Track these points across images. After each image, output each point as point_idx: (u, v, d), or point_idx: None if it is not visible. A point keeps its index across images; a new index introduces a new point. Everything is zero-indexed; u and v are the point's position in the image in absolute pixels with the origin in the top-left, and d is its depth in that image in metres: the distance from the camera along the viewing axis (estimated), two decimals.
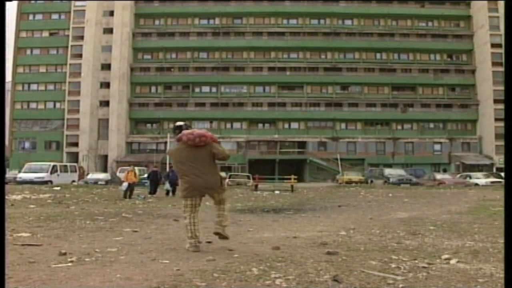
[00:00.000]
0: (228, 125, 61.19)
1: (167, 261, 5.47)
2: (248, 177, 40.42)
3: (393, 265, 4.98)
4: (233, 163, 56.32)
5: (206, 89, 61.83)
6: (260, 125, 61.67)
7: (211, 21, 63.74)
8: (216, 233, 6.23)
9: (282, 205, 16.52)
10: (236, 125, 61.13)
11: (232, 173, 44.33)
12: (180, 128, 6.28)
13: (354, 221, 9.69)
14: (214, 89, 61.67)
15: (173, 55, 62.74)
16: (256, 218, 11.59)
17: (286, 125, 61.23)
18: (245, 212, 13.52)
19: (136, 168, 27.34)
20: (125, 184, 20.38)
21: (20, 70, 61.65)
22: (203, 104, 61.14)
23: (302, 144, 59.84)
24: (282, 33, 63.14)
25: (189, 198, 6.11)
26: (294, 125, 61.01)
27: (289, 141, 60.08)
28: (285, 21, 64.04)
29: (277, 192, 26.64)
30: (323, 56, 62.65)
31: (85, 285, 4.42)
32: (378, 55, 62.20)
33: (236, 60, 62.51)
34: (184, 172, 6.10)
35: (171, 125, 39.72)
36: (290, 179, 30.59)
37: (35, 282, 4.45)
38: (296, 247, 6.46)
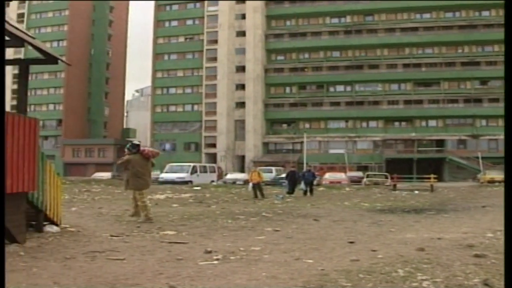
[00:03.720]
0: (364, 124, 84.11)
1: (311, 261, 7.73)
2: (386, 177, 53.03)
3: None
4: (370, 162, 78.99)
5: (340, 88, 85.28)
6: (396, 123, 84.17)
7: (343, 20, 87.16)
8: (133, 214, 14.79)
9: (422, 205, 21.08)
10: (372, 123, 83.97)
11: (369, 173, 62.05)
12: (138, 146, 14.62)
13: (501, 223, 9.55)
14: (348, 88, 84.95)
15: (306, 55, 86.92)
16: (397, 218, 15.46)
17: (423, 123, 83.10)
18: (385, 212, 17.69)
19: (273, 168, 45.94)
20: (250, 185, 28.29)
21: (159, 75, 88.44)
22: (338, 104, 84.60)
23: (440, 143, 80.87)
24: (416, 28, 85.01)
25: (145, 189, 14.34)
26: (432, 122, 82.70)
27: (426, 140, 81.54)
28: (418, 16, 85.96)
29: (416, 191, 33.43)
30: (459, 51, 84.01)
31: (232, 282, 6.33)
32: None
33: (370, 58, 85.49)
34: (141, 173, 14.19)
35: (307, 125, 67.99)
36: (429, 178, 39.51)
37: (184, 279, 6.52)
38: (441, 248, 8.60)
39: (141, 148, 14.66)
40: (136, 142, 15.20)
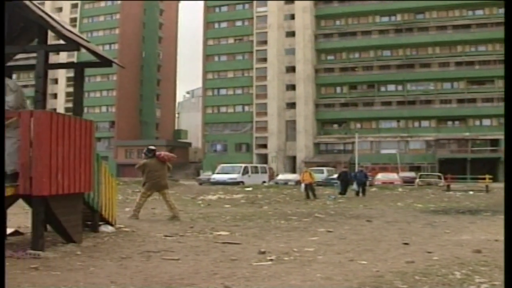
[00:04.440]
0: (416, 124, 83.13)
1: (365, 262, 7.77)
2: (439, 177, 52.28)
3: None
4: (422, 162, 77.97)
5: (391, 87, 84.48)
6: (449, 122, 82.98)
7: (393, 18, 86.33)
8: (172, 217, 14.50)
9: (477, 206, 20.93)
10: (424, 123, 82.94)
11: (422, 173, 61.14)
12: (153, 150, 15.16)
13: None
14: (400, 87, 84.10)
15: (356, 55, 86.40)
16: (452, 219, 15.35)
17: (477, 122, 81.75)
18: (439, 213, 17.62)
19: (324, 168, 46.05)
20: (302, 185, 28.75)
21: (210, 76, 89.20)
22: (389, 103, 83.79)
23: (495, 142, 79.11)
24: (468, 26, 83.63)
25: (150, 191, 15.01)
26: (486, 121, 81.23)
27: (480, 139, 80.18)
28: (470, 13, 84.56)
29: (470, 192, 33.35)
30: None
31: (286, 283, 6.37)
32: None
33: (421, 56, 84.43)
34: (155, 176, 14.77)
35: (358, 125, 67.60)
36: (484, 178, 39.74)
37: (239, 279, 6.61)
38: (498, 251, 8.17)
39: (157, 153, 15.22)
40: (151, 147, 15.71)
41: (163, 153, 15.65)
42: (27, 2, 8.91)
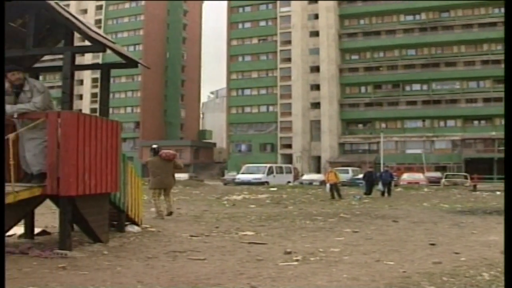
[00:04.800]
0: (442, 123, 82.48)
1: (391, 263, 7.74)
2: (465, 177, 53.08)
3: None
4: (448, 162, 77.30)
5: (416, 86, 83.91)
6: (476, 122, 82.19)
7: (417, 17, 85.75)
8: (168, 213, 14.87)
9: None
10: (450, 123, 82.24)
11: (448, 173, 60.91)
12: (156, 149, 15.69)
13: None
14: (425, 87, 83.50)
15: (381, 54, 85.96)
16: (479, 220, 15.25)
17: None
18: (466, 213, 17.59)
19: (349, 168, 45.80)
20: (328, 185, 28.69)
21: (234, 76, 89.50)
22: (414, 103, 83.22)
23: None
24: (494, 23, 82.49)
25: (157, 189, 15.08)
26: None
27: None
28: (496, 10, 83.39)
29: (498, 192, 32.76)
30: None
31: (313, 284, 6.38)
32: None
33: (446, 55, 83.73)
34: (157, 173, 15.19)
35: (383, 125, 67.17)
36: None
37: (265, 279, 6.61)
38: None
39: (161, 152, 15.62)
40: (154, 146, 16.39)
41: (164, 151, 15.86)
42: (54, 4, 9.00)
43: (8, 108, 8.47)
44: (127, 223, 11.68)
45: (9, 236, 9.90)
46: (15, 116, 8.55)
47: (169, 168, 15.43)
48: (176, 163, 15.82)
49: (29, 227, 10.23)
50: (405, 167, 70.61)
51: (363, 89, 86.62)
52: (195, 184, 48.10)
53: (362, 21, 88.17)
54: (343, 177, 40.65)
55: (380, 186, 30.47)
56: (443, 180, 52.88)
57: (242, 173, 53.75)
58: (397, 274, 6.95)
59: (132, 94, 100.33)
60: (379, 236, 11.43)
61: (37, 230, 10.54)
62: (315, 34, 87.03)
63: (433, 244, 9.98)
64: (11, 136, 7.97)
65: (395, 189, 35.13)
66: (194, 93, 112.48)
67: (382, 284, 6.38)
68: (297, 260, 8.10)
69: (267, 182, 48.61)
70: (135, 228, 11.65)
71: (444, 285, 6.25)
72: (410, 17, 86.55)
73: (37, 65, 11.25)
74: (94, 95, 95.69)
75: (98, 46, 9.37)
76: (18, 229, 10.22)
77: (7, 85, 8.60)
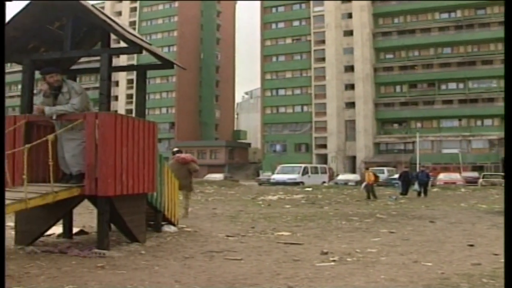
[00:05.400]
0: (478, 122, 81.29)
1: (429, 264, 7.75)
2: (504, 177, 57.59)
3: None
4: (486, 162, 76.15)
5: (452, 85, 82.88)
6: None
7: (452, 14, 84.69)
8: (183, 215, 14.65)
9: None
10: (487, 122, 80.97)
11: (485, 173, 60.09)
12: (175, 152, 16.65)
13: None
14: (461, 85, 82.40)
15: (416, 53, 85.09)
16: None
17: None
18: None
19: (385, 168, 45.40)
20: (363, 184, 28.89)
21: (268, 76, 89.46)
22: (450, 102, 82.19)
23: None
24: None
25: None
26: None
27: None
28: None
29: None
30: None
31: (350, 285, 6.40)
32: None
33: (483, 53, 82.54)
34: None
35: (419, 125, 66.12)
36: None
37: (303, 280, 6.65)
38: None
39: (177, 155, 16.31)
40: (175, 149, 17.50)
41: (180, 155, 16.40)
42: (91, 7, 9.11)
43: (47, 109, 8.62)
44: (163, 223, 11.78)
45: (48, 235, 10.09)
46: (54, 117, 8.69)
47: (183, 171, 15.66)
48: (189, 167, 16.03)
49: (68, 226, 10.38)
50: (441, 167, 69.92)
51: (398, 88, 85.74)
52: (230, 184, 48.32)
53: (396, 20, 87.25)
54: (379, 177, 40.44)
55: (416, 186, 30.21)
56: (480, 180, 52.00)
57: (277, 173, 53.64)
58: (436, 276, 6.93)
59: (167, 95, 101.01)
60: (416, 237, 11.36)
61: (75, 229, 10.70)
62: (349, 33, 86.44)
63: (471, 245, 9.87)
64: (50, 137, 8.07)
65: (431, 189, 34.81)
66: (229, 93, 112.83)
67: (421, 285, 6.34)
68: (334, 261, 8.11)
69: (302, 182, 48.49)
70: (172, 228, 11.77)
71: (484, 287, 6.21)
72: (445, 15, 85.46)
73: (73, 67, 11.39)
74: (129, 96, 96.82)
75: (135, 48, 9.45)
76: (57, 229, 10.39)
77: (45, 87, 8.75)
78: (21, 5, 9.03)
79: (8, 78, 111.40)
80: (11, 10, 8.34)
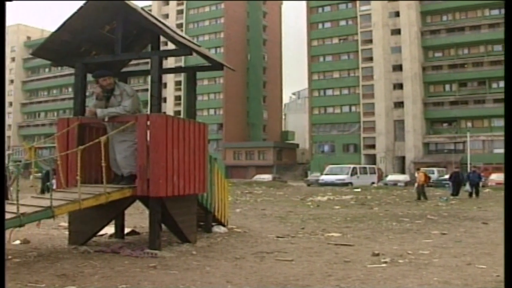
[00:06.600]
0: None
1: (484, 266, 7.60)
2: None
3: None
4: None
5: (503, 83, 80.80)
6: None
7: (503, 11, 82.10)
8: None
9: None
10: None
11: None
12: None
13: None
14: None
15: (465, 51, 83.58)
16: None
17: None
18: None
19: (434, 169, 44.58)
20: (416, 185, 28.77)
21: (315, 77, 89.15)
22: (501, 100, 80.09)
23: None
24: None
25: None
26: None
27: None
28: None
29: None
30: None
31: (403, 286, 6.37)
32: None
33: None
34: None
35: (469, 124, 64.27)
36: None
37: (354, 281, 6.63)
38: None
39: None
40: None
41: None
42: (141, 10, 9.21)
43: (99, 112, 8.75)
44: (213, 223, 11.83)
45: (100, 235, 10.24)
46: (106, 119, 8.82)
47: None
48: None
49: (119, 227, 10.52)
50: (493, 167, 68.20)
51: (447, 87, 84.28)
52: (279, 185, 48.32)
53: (444, 17, 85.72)
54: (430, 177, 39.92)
55: (467, 187, 29.75)
56: None
57: (326, 174, 53.44)
58: (491, 279, 6.80)
59: (214, 96, 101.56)
60: (469, 239, 11.21)
61: (126, 230, 10.83)
62: (397, 32, 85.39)
63: None
64: (102, 139, 8.20)
65: (483, 190, 34.11)
66: (276, 94, 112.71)
67: None
68: (385, 262, 8.04)
69: (351, 183, 48.21)
70: (222, 229, 11.81)
71: None
72: (495, 11, 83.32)
73: (125, 69, 11.54)
74: (177, 97, 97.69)
75: (185, 50, 9.51)
76: (109, 229, 10.54)
77: (98, 90, 8.89)
78: (21, 5, 9.10)
79: (59, 81, 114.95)
80: (11, 10, 8.37)
